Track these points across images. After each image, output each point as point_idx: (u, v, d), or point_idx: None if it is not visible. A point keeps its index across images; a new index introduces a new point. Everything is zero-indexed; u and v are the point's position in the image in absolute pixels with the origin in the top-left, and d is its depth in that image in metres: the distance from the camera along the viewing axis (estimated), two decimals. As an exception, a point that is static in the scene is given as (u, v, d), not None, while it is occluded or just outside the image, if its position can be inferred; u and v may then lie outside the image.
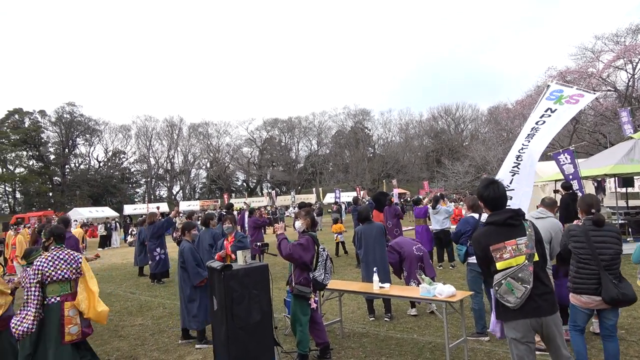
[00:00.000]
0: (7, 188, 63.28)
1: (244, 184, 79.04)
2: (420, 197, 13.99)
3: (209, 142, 75.26)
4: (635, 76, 29.01)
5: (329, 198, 51.68)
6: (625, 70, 29.29)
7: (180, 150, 75.20)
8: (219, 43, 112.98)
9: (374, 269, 5.39)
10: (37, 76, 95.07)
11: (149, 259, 10.92)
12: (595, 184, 17.84)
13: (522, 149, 5.60)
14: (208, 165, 76.68)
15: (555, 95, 6.04)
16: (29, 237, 13.53)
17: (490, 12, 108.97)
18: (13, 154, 60.65)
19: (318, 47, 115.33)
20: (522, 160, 5.52)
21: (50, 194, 63.54)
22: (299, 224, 5.04)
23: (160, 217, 11.47)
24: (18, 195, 64.30)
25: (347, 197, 48.17)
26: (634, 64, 28.66)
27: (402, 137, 75.52)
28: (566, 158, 9.34)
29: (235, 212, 13.74)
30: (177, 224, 12.87)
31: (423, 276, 5.01)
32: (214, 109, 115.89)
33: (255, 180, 79.25)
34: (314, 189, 51.19)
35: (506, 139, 31.36)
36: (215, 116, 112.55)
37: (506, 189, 5.17)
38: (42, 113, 64.51)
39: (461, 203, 21.24)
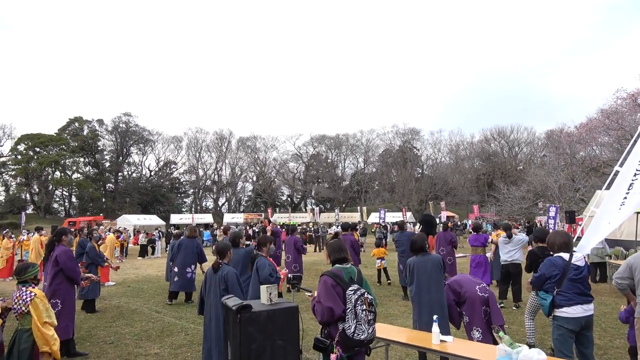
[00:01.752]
0: (64, 192, 66.00)
1: (289, 199, 78.91)
2: (480, 221, 12.48)
3: (256, 156, 75.88)
4: None
5: (374, 217, 50.31)
6: None
7: (228, 163, 76.17)
8: (270, 59, 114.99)
9: (435, 317, 4.17)
10: (97, 86, 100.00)
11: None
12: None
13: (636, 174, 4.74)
14: (254, 178, 77.21)
15: None
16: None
17: (547, 35, 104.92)
18: (71, 160, 63.26)
19: (369, 64, 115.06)
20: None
21: (103, 200, 65.74)
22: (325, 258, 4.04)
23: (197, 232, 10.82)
24: (74, 199, 66.94)
25: (391, 217, 46.73)
26: None
27: (452, 158, 73.14)
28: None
29: (278, 227, 13.02)
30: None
31: (501, 334, 3.92)
32: (263, 124, 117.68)
33: (299, 196, 78.98)
34: (358, 208, 49.92)
35: (569, 163, 29.20)
36: (263, 130, 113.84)
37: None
38: (100, 122, 67.23)
39: (518, 230, 19.62)
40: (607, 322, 7.54)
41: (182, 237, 10.42)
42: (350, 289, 3.56)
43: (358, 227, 22.40)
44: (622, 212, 5.57)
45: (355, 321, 3.46)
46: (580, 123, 32.68)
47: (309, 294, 3.99)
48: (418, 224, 8.96)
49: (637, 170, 5.21)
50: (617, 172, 6.12)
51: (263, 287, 3.47)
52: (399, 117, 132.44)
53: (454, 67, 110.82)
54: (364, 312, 3.48)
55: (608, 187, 6.46)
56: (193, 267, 9.81)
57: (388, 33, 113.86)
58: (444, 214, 39.85)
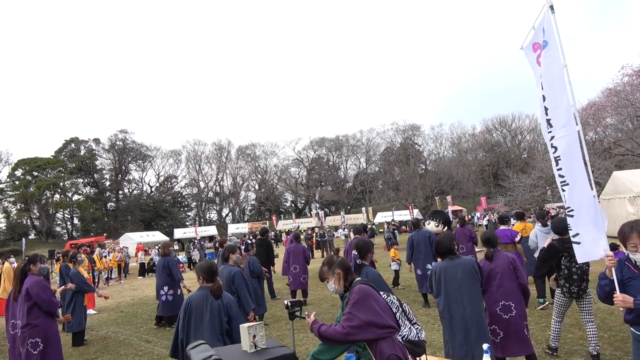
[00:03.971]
0: (65, 215, 65.28)
1: (292, 204, 78.00)
2: (508, 214, 11.02)
3: (256, 164, 75.13)
4: None
5: (380, 217, 49.40)
6: None
7: (229, 173, 75.54)
8: (263, 64, 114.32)
9: (485, 347, 2.98)
10: (91, 105, 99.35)
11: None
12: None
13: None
14: (256, 187, 76.43)
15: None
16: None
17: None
18: (70, 182, 62.55)
19: (364, 63, 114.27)
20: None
21: (105, 220, 65.00)
22: (331, 285, 3.27)
23: (171, 249, 9.76)
24: (76, 221, 66.19)
25: (397, 216, 45.78)
26: None
27: (454, 151, 72.22)
28: None
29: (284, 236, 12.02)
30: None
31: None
32: (261, 131, 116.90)
33: (303, 201, 78.09)
34: (363, 208, 48.97)
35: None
36: (262, 137, 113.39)
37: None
38: (97, 141, 66.61)
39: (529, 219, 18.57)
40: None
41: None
42: (382, 293, 3.13)
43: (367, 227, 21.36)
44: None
45: (408, 322, 3.06)
46: (587, 103, 31.64)
47: (307, 317, 3.20)
48: (436, 221, 7.25)
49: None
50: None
51: (243, 328, 2.50)
52: (399, 114, 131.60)
53: (451, 60, 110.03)
54: (408, 310, 3.15)
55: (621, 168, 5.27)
56: (166, 288, 8.80)
57: (383, 30, 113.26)
58: (450, 209, 38.82)
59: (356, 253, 4.35)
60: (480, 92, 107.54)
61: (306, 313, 3.25)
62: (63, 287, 5.88)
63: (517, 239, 8.05)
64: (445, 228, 7.23)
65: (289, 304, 3.60)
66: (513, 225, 9.34)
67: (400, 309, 3.08)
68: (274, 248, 12.13)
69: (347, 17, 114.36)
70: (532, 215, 25.68)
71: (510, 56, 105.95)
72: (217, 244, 18.33)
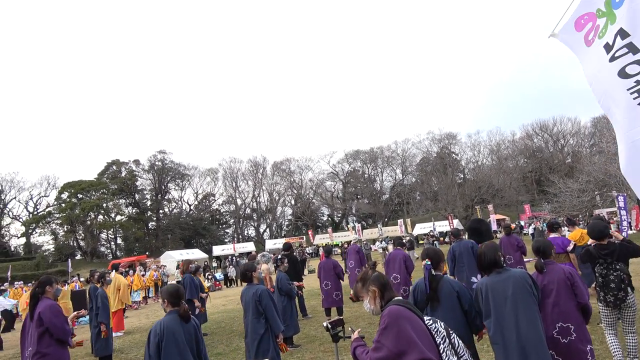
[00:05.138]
0: (109, 235, 67.23)
1: (329, 218, 77.57)
2: (555, 220, 10.02)
3: (292, 179, 75.30)
4: None
5: (419, 229, 48.19)
6: None
7: (265, 189, 75.95)
8: (295, 79, 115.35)
9: None
10: (130, 128, 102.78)
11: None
12: None
13: None
14: (292, 202, 76.52)
15: None
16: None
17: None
18: (112, 202, 64.49)
19: (397, 73, 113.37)
20: None
21: (147, 239, 66.52)
22: (366, 304, 2.83)
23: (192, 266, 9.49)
24: (119, 241, 68.07)
25: (438, 226, 44.55)
26: None
27: (493, 158, 70.17)
28: None
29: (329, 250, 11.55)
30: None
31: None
32: (295, 145, 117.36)
33: (340, 215, 77.54)
34: (399, 220, 47.96)
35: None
36: (296, 152, 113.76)
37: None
38: (137, 162, 68.53)
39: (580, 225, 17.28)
40: None
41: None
42: (426, 319, 2.64)
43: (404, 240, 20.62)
44: None
45: (456, 357, 2.53)
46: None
47: (352, 334, 2.85)
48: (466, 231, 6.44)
49: None
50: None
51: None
52: (434, 123, 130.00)
53: (485, 66, 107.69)
54: (460, 345, 2.63)
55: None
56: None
57: (415, 38, 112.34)
58: (493, 218, 37.42)
59: (429, 263, 3.82)
60: (518, 97, 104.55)
61: (350, 328, 2.85)
62: (75, 313, 5.58)
63: (570, 248, 7.28)
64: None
65: (329, 325, 3.17)
66: (565, 233, 8.52)
67: (447, 340, 2.56)
68: (306, 263, 11.66)
69: (380, 28, 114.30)
70: (581, 222, 24.30)
71: (544, 58, 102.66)
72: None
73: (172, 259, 42.33)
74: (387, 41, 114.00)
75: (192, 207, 73.49)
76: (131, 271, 22.21)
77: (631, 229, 23.61)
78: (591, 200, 25.40)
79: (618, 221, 22.92)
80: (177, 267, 24.26)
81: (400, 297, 2.76)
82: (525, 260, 9.25)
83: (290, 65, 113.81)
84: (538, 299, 3.55)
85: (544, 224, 25.72)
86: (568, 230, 8.69)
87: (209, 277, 23.29)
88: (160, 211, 70.66)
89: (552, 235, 7.31)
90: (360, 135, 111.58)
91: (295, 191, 75.09)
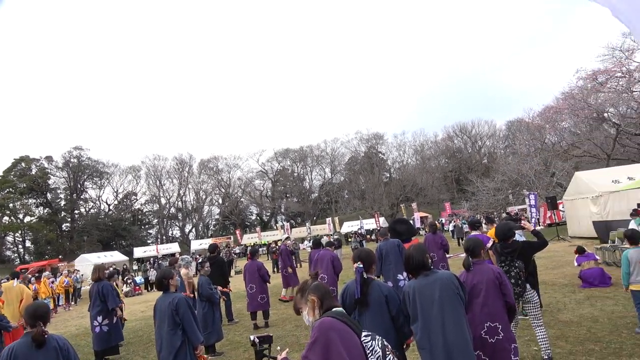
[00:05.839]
0: (16, 238, 61.77)
1: (258, 217, 76.74)
2: (473, 218, 10.40)
3: (219, 178, 73.62)
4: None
5: (347, 227, 48.91)
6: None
7: (191, 188, 73.74)
8: (224, 75, 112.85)
9: None
10: (41, 122, 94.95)
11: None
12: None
13: None
14: (220, 201, 74.83)
15: None
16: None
17: (498, 32, 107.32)
18: (19, 203, 59.32)
19: (326, 73, 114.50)
20: None
21: (60, 241, 61.90)
22: (305, 315, 2.62)
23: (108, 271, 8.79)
24: (28, 244, 62.75)
25: (365, 224, 45.42)
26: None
27: (417, 159, 73.15)
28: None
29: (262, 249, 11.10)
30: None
31: None
32: (223, 143, 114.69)
33: (269, 214, 76.98)
34: (328, 219, 48.42)
35: (540, 149, 28.64)
36: (224, 150, 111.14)
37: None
38: (49, 159, 63.53)
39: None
40: None
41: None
42: (364, 335, 2.45)
43: (328, 239, 20.66)
44: None
45: None
46: (544, 107, 32.27)
47: (279, 354, 2.59)
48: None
49: None
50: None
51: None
52: (362, 123, 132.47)
53: (412, 69, 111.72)
54: None
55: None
56: (100, 318, 7.82)
57: (344, 40, 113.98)
58: (416, 215, 38.79)
59: (361, 265, 3.58)
60: (441, 101, 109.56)
61: (278, 348, 2.65)
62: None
63: (489, 245, 7.53)
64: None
65: (257, 340, 2.87)
66: (485, 231, 8.83)
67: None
68: (233, 264, 11.21)
69: (310, 27, 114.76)
70: (496, 220, 25.81)
71: (467, 65, 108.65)
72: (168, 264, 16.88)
73: (88, 263, 39.62)
74: (318, 41, 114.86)
75: (111, 207, 69.55)
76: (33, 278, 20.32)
77: (539, 225, 25.51)
78: (505, 198, 27.11)
79: (528, 217, 24.74)
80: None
81: (340, 308, 2.55)
82: (447, 256, 9.51)
83: (219, 61, 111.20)
84: (465, 301, 3.48)
85: (464, 222, 27.05)
86: (487, 228, 9.01)
87: (128, 281, 21.92)
88: (76, 211, 66.11)
89: (474, 233, 7.51)
90: (290, 134, 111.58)
91: (223, 190, 73.51)
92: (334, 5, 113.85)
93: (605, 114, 27.55)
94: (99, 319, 7.73)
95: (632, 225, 10.41)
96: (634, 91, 27.23)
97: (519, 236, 6.70)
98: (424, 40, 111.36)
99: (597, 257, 10.57)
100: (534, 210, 19.46)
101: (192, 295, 8.07)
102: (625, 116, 27.20)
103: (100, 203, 69.23)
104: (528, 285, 5.05)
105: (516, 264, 4.89)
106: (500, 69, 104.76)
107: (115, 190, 70.16)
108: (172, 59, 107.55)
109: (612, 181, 17.17)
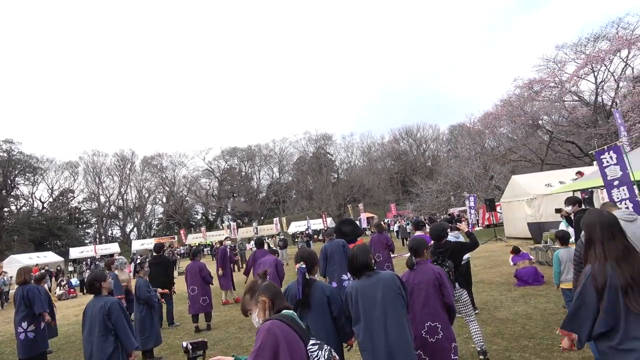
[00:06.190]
0: None
1: (203, 217, 75.05)
2: (417, 218, 10.65)
3: (163, 175, 71.32)
4: (603, 84, 28.12)
5: (294, 227, 48.89)
6: (588, 80, 28.45)
7: (133, 186, 71.00)
8: (169, 69, 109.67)
9: None
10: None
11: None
12: (587, 196, 16.08)
13: None
14: (164, 199, 72.51)
15: None
16: None
17: (445, 39, 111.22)
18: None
19: (275, 72, 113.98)
20: None
21: (-13, 241, 57.63)
22: (255, 317, 2.50)
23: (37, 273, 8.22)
24: (-50, 245, 57.96)
25: (313, 225, 45.56)
26: (596, 72, 27.84)
27: (365, 160, 74.28)
28: (611, 158, 7.00)
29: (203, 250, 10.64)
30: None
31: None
32: (168, 140, 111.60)
33: (215, 213, 75.47)
34: (275, 219, 48.13)
35: (479, 153, 29.88)
36: (169, 147, 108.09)
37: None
38: (-25, 153, 58.99)
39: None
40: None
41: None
42: (311, 343, 2.34)
43: (264, 239, 20.50)
44: None
45: None
46: (484, 113, 33.67)
47: None
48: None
49: None
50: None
51: None
52: (311, 124, 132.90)
53: (362, 71, 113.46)
54: None
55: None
56: (25, 324, 7.23)
57: (296, 40, 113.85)
58: (363, 216, 39.35)
59: (304, 266, 3.49)
60: (388, 104, 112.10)
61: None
62: None
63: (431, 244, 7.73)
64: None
65: (189, 346, 2.72)
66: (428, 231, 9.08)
67: None
68: (176, 264, 10.82)
69: (261, 27, 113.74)
70: (439, 220, 26.67)
71: (415, 70, 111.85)
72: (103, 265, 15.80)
73: (18, 264, 37.07)
74: (269, 41, 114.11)
75: (45, 205, 65.59)
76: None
77: (479, 226, 26.62)
78: (447, 200, 28.05)
79: (468, 219, 25.77)
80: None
81: (291, 311, 2.44)
82: (392, 256, 9.65)
83: (164, 56, 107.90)
84: (406, 301, 3.50)
85: (408, 222, 27.71)
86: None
87: (62, 283, 20.72)
88: (5, 209, 61.74)
89: (418, 233, 7.67)
90: (238, 132, 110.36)
91: (167, 188, 71.34)
92: (285, 7, 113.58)
93: (540, 121, 29.20)
94: (24, 325, 7.18)
95: (562, 226, 11.02)
96: (565, 101, 29.04)
97: (454, 238, 6.90)
98: (373, 44, 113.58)
99: (531, 256, 11.13)
100: (473, 212, 20.24)
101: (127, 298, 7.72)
102: (558, 124, 28.93)
103: (33, 200, 65.22)
104: (457, 284, 5.26)
105: (447, 264, 5.03)
106: (444, 76, 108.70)
107: (51, 187, 66.38)
108: (113, 48, 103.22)
109: (545, 185, 18.12)
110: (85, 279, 22.65)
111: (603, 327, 2.48)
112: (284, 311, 2.42)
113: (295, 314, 2.46)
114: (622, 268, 2.50)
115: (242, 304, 2.59)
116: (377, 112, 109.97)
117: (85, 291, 21.87)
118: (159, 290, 8.50)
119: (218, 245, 25.38)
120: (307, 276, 3.49)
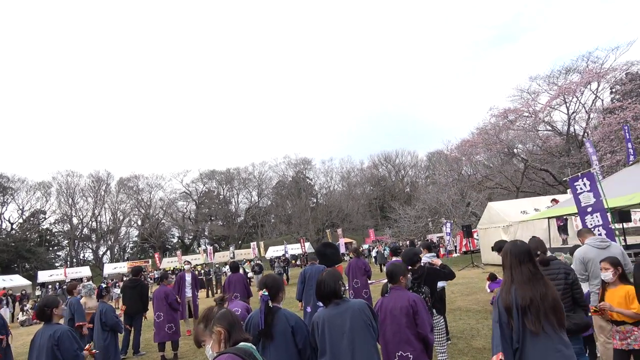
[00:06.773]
0: None
1: (180, 240, 73.60)
2: (395, 244, 10.54)
3: (139, 198, 69.97)
4: (575, 115, 28.94)
5: (272, 251, 48.24)
6: (560, 111, 29.28)
7: (107, 208, 69.29)
8: (147, 89, 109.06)
9: None
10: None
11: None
12: (562, 223, 16.29)
13: None
14: (139, 222, 70.94)
15: None
16: None
17: (423, 69, 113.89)
18: None
19: (256, 96, 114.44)
20: None
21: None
22: (209, 349, 2.30)
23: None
24: None
25: (290, 249, 45.05)
26: (568, 103, 28.67)
27: (344, 185, 74.43)
28: (585, 185, 7.03)
29: (169, 276, 10.10)
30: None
31: None
32: (145, 162, 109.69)
33: (191, 236, 74.11)
34: (252, 243, 47.48)
35: (457, 179, 30.21)
36: (146, 169, 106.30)
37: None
38: (-59, 171, 57.08)
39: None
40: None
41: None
42: None
43: (239, 264, 20.06)
44: None
45: None
46: (461, 140, 34.20)
47: None
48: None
49: None
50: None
51: None
52: (291, 148, 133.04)
53: (342, 97, 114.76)
54: None
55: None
56: None
57: (274, 65, 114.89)
58: (342, 241, 39.15)
59: (266, 293, 3.27)
60: (368, 130, 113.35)
61: None
62: None
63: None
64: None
65: None
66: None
67: None
68: (148, 289, 10.32)
69: (240, 50, 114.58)
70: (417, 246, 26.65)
71: (394, 98, 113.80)
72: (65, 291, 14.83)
73: (-18, 287, 35.66)
74: (249, 64, 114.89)
75: (14, 226, 63.45)
76: None
77: (456, 252, 26.71)
78: (425, 225, 28.13)
79: (445, 244, 25.86)
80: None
81: (249, 344, 2.20)
82: (370, 282, 9.46)
83: (142, 76, 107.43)
84: (377, 331, 3.31)
85: (386, 248, 27.64)
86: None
87: (25, 307, 19.80)
88: (-29, 230, 59.61)
89: (395, 258, 7.54)
90: (217, 155, 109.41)
91: (143, 211, 69.91)
92: (266, 32, 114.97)
93: (515, 150, 29.77)
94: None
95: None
96: (539, 130, 29.74)
97: (428, 258, 6.80)
98: (354, 71, 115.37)
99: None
100: (448, 238, 20.26)
101: (91, 326, 7.33)
102: (532, 152, 29.53)
103: (2, 221, 63.01)
104: (435, 311, 5.13)
105: (423, 290, 4.89)
106: (422, 104, 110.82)
107: (21, 207, 64.34)
108: (89, 68, 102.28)
109: (521, 212, 18.32)
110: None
111: (516, 343, 2.77)
112: (242, 343, 2.19)
113: (254, 347, 2.21)
114: (523, 290, 2.81)
115: (194, 334, 2.37)
116: (356, 137, 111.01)
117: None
118: (119, 311, 8.13)
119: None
120: (270, 304, 3.27)
